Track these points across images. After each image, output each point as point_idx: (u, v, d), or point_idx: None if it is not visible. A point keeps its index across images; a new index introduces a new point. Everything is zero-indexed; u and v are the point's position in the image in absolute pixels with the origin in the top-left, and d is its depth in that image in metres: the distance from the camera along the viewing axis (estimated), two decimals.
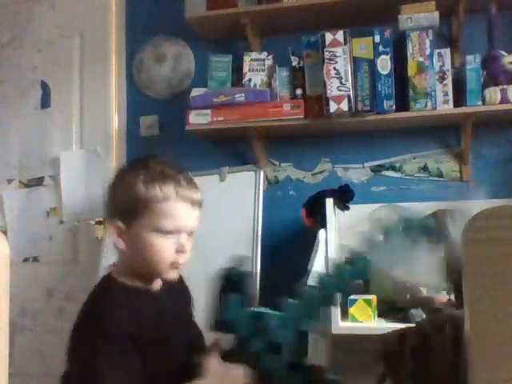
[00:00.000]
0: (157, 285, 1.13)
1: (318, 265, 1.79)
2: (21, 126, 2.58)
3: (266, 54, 2.16)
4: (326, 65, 1.95)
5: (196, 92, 2.16)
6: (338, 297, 1.16)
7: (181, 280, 1.22)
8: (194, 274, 1.95)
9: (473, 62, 1.91)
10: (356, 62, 1.96)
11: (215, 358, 1.07)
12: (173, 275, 1.10)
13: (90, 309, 1.05)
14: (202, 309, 1.88)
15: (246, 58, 2.16)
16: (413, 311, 1.67)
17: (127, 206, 1.05)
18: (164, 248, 1.06)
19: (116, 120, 2.50)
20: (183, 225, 1.07)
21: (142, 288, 1.09)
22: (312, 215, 1.98)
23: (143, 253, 1.06)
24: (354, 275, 1.08)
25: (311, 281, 1.16)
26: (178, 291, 1.19)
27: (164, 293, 1.14)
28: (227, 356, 1.07)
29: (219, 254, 1.93)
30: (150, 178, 1.05)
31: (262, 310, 1.10)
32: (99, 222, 2.34)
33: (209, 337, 1.15)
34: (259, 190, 2.00)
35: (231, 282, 1.11)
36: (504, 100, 1.88)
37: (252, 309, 1.09)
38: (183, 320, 1.16)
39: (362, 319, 1.70)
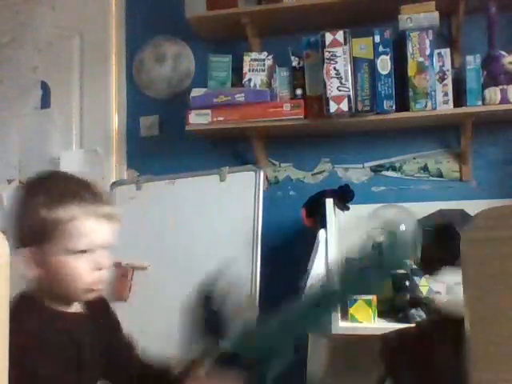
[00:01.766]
0: (74, 308, 1.10)
1: (318, 265, 1.79)
2: (21, 126, 2.57)
3: (265, 54, 2.16)
4: (325, 65, 1.95)
5: (196, 92, 2.16)
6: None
7: (106, 305, 1.20)
8: (193, 273, 1.95)
9: (473, 62, 1.91)
10: (356, 62, 1.96)
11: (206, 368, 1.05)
12: (92, 295, 1.08)
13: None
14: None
15: (246, 58, 2.16)
16: (413, 311, 1.67)
17: (33, 232, 1.02)
18: (79, 268, 1.02)
19: (116, 120, 2.50)
20: (94, 241, 1.04)
21: (59, 310, 1.07)
22: (312, 215, 1.98)
23: (58, 276, 1.02)
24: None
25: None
26: (99, 317, 1.16)
27: (82, 317, 1.11)
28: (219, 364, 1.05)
29: (219, 254, 1.94)
30: (51, 199, 1.01)
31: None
32: None
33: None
34: (259, 190, 2.00)
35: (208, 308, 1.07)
36: (504, 100, 1.88)
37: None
38: (99, 347, 1.13)
39: (362, 319, 1.69)
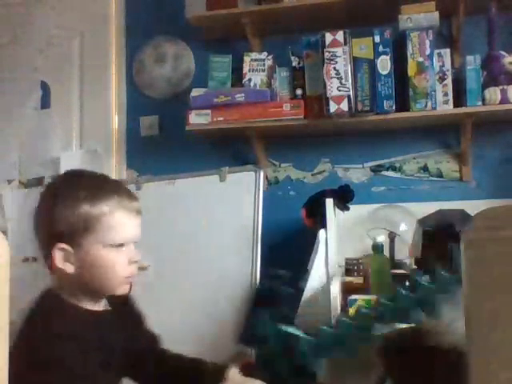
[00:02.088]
0: (101, 305, 1.12)
1: (318, 265, 1.79)
2: (21, 126, 2.58)
3: (266, 54, 2.16)
4: (325, 65, 1.95)
5: (196, 92, 2.16)
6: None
7: (129, 300, 1.22)
8: (193, 273, 1.95)
9: (473, 62, 1.91)
10: (356, 62, 1.96)
11: (236, 370, 1.07)
12: (125, 289, 1.11)
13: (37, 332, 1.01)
14: (200, 309, 1.88)
15: (246, 58, 2.15)
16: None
17: (73, 226, 1.03)
18: (118, 261, 1.06)
19: (116, 120, 2.50)
20: (131, 235, 1.08)
21: (88, 308, 1.09)
22: (312, 215, 1.98)
23: (96, 269, 1.05)
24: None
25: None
26: (124, 313, 1.18)
27: (108, 314, 1.13)
28: (249, 370, 1.07)
29: (219, 255, 1.94)
30: (92, 194, 1.04)
31: (293, 330, 1.08)
32: None
33: (233, 349, 1.14)
34: (259, 190, 2.00)
35: (262, 297, 1.10)
36: (504, 100, 1.88)
37: (281, 327, 1.07)
38: (125, 344, 1.15)
39: None
